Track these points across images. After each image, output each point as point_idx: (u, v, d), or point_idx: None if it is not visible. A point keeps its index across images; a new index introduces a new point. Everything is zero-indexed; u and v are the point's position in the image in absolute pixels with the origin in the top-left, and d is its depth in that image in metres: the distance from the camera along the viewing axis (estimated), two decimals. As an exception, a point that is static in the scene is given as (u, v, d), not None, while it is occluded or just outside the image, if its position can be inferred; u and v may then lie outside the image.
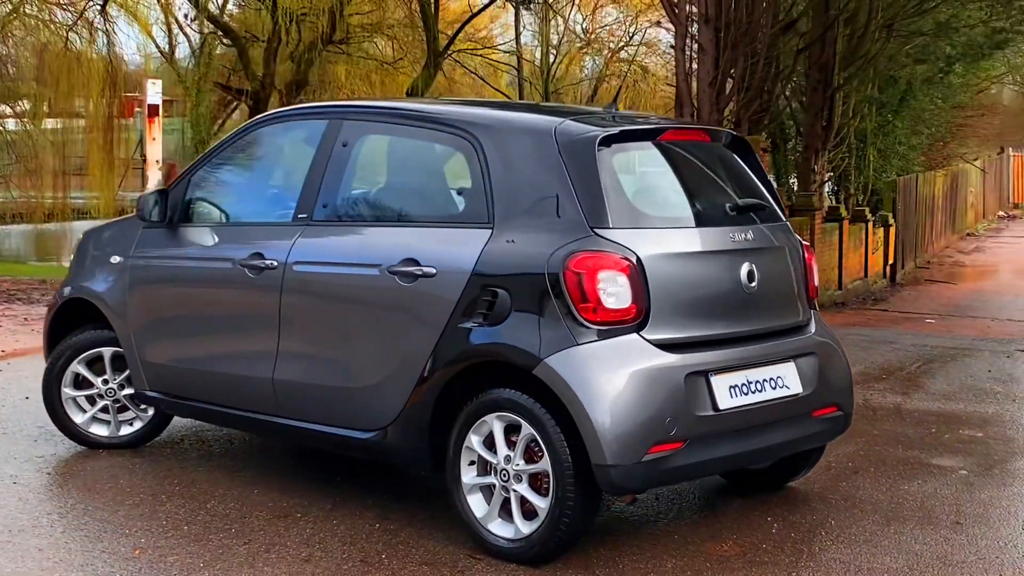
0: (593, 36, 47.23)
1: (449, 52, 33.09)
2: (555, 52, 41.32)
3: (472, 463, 5.78)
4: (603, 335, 5.46)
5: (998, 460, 7.59)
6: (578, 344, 5.44)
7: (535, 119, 6.12)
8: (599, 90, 46.31)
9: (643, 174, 6.01)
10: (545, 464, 5.50)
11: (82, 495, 6.61)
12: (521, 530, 5.60)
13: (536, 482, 5.59)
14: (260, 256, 6.49)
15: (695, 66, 21.05)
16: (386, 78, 35.49)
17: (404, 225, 6.15)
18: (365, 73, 35.36)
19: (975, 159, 41.60)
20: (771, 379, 5.92)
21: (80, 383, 7.50)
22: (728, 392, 5.70)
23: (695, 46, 21.02)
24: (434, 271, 5.84)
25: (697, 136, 6.33)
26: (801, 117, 25.04)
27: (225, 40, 30.28)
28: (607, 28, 48.27)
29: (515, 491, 5.62)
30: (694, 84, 21.13)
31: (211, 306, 6.82)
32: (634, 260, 5.52)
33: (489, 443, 5.73)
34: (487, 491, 5.77)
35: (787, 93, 24.72)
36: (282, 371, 6.41)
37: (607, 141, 5.76)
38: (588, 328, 5.46)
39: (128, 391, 7.43)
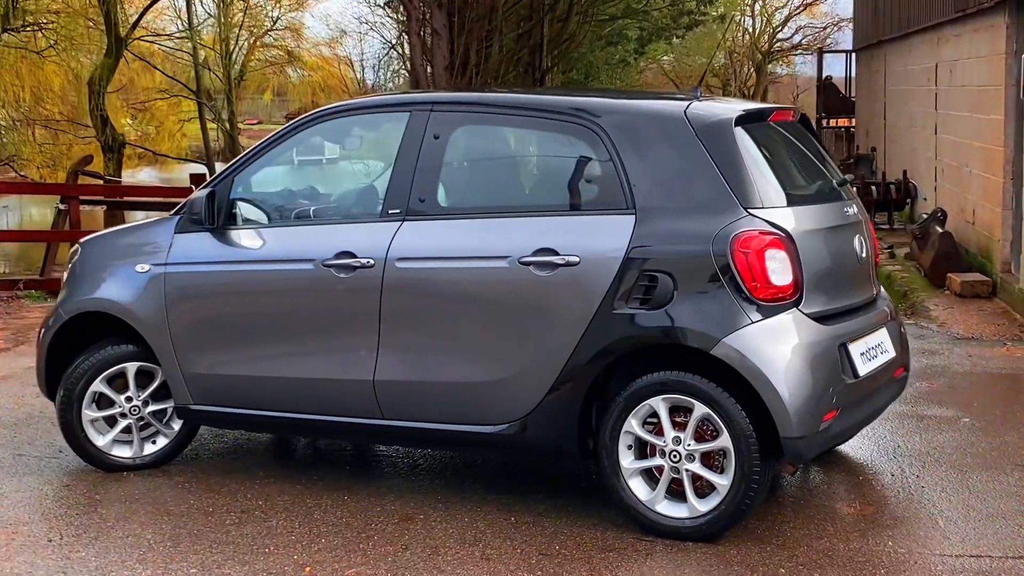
0: (235, 21, 46.33)
1: (130, 39, 31.80)
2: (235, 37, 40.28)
3: (629, 447, 5.84)
4: (770, 312, 5.65)
5: (985, 407, 8.24)
6: (752, 322, 5.61)
7: (658, 104, 6.21)
8: (245, 76, 45.46)
9: (759, 154, 6.13)
10: (723, 441, 5.63)
11: (174, 520, 6.20)
12: (698, 508, 5.72)
13: (708, 460, 5.72)
14: (350, 255, 6.27)
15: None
16: (34, 67, 33.78)
17: (529, 215, 6.10)
18: (11, 63, 33.49)
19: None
20: (879, 344, 6.28)
21: (100, 403, 6.99)
22: (860, 359, 6.02)
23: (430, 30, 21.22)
24: (578, 259, 5.84)
25: (789, 116, 6.57)
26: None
27: None
28: (249, 12, 47.45)
29: (687, 471, 5.72)
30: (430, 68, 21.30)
31: (285, 311, 6.50)
32: (787, 237, 5.72)
33: (649, 425, 5.80)
34: (647, 474, 5.85)
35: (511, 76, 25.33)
36: (385, 372, 6.23)
37: (739, 122, 5.94)
38: (758, 306, 5.63)
39: (153, 407, 7.00)
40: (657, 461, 5.80)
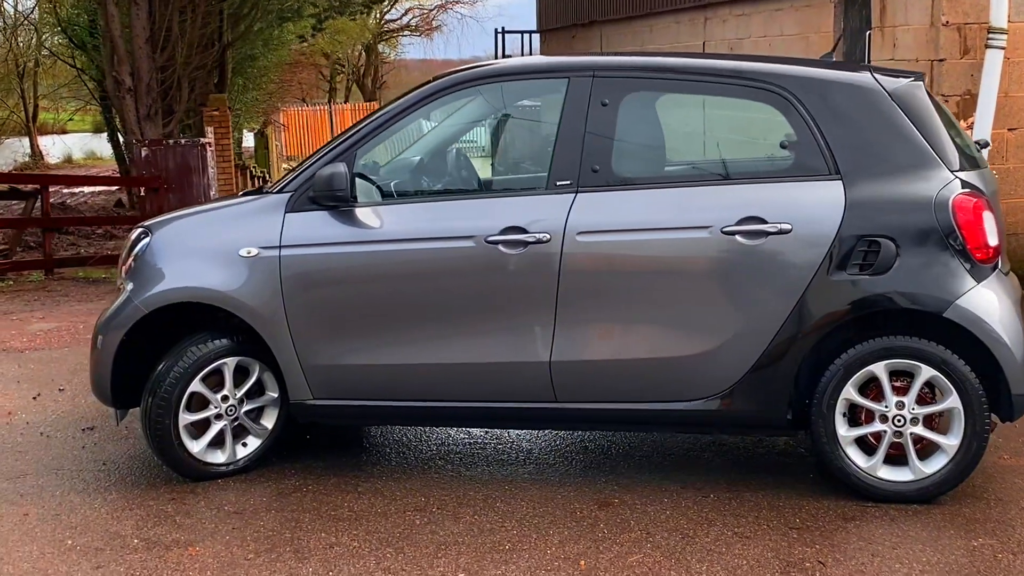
0: None
1: None
2: None
3: (844, 415, 5.80)
4: (985, 273, 5.75)
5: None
6: (977, 283, 5.69)
7: (843, 73, 6.11)
8: None
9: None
10: (951, 402, 5.69)
11: (353, 525, 5.64)
12: (924, 471, 5.75)
13: (928, 422, 5.77)
14: (520, 230, 5.89)
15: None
16: None
17: (723, 183, 5.91)
18: None
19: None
20: None
21: (190, 405, 6.24)
22: (1020, 315, 6.24)
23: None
24: (790, 227, 5.73)
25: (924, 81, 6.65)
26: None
27: None
28: None
29: (911, 434, 5.75)
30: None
31: (438, 292, 6.00)
32: (987, 199, 5.85)
33: (862, 391, 5.79)
34: (862, 441, 5.83)
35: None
36: (564, 352, 5.90)
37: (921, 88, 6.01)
38: (979, 267, 5.72)
39: (249, 406, 6.32)
40: (877, 427, 5.78)
